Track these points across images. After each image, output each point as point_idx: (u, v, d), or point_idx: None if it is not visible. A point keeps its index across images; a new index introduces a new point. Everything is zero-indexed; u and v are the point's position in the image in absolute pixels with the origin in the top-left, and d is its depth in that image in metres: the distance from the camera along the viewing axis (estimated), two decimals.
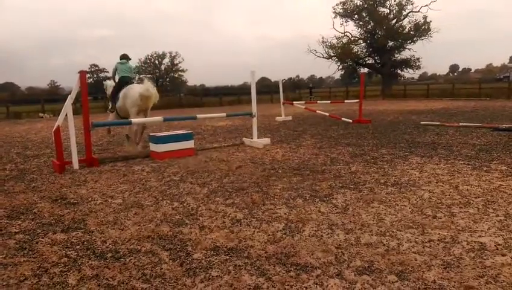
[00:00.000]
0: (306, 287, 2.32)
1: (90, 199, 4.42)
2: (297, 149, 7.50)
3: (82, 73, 6.24)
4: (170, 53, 62.78)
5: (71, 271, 2.63)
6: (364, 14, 37.95)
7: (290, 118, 14.80)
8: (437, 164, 5.70)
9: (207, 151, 7.64)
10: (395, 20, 37.20)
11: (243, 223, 3.49)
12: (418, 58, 38.35)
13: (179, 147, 7.08)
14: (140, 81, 9.26)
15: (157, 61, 63.06)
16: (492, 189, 4.27)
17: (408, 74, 41.46)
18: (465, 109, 17.30)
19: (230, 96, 36.07)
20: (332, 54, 38.94)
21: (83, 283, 2.46)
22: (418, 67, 39.24)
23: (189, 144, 7.29)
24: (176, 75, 64.82)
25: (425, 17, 35.91)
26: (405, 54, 38.67)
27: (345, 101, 19.10)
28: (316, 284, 2.36)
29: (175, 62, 63.59)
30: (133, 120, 7.25)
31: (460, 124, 10.54)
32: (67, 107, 6.23)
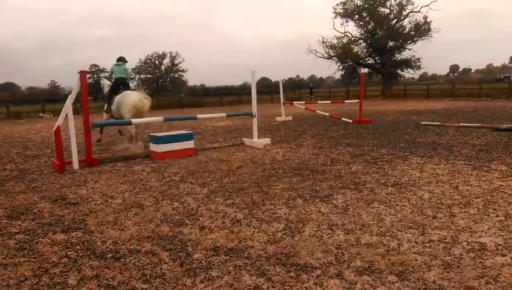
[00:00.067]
0: (306, 288, 2.32)
1: (90, 199, 4.42)
2: (297, 149, 7.50)
3: (82, 73, 6.25)
4: (170, 53, 62.78)
5: (71, 271, 2.63)
6: (364, 14, 37.95)
7: (290, 118, 14.80)
8: (437, 164, 5.70)
9: (207, 152, 7.64)
10: (395, 20, 37.20)
11: (243, 223, 3.49)
12: (418, 59, 38.38)
13: (179, 147, 7.08)
14: (138, 86, 9.47)
15: (157, 62, 63.03)
16: (492, 189, 4.27)
17: (408, 74, 41.52)
18: (465, 109, 17.30)
19: (231, 96, 36.08)
20: (332, 54, 38.94)
21: (83, 283, 2.46)
22: (419, 67, 39.26)
23: (190, 144, 7.29)
24: (176, 75, 64.78)
25: (425, 17, 35.94)
26: (405, 54, 38.72)
27: (345, 101, 19.12)
28: (316, 284, 2.36)
29: (175, 62, 63.56)
30: (133, 120, 7.25)
31: (461, 124, 10.53)
32: (68, 107, 6.23)
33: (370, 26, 38.22)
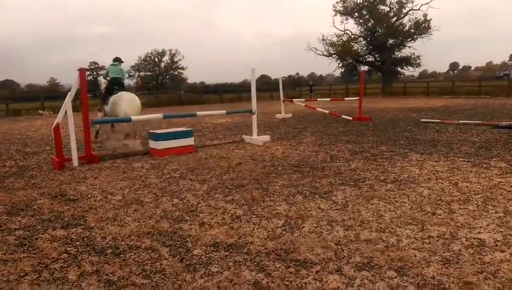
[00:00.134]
0: (305, 283, 2.33)
1: (89, 196, 4.42)
2: (297, 146, 7.50)
3: (81, 70, 6.24)
4: (170, 50, 62.68)
5: (71, 267, 2.64)
6: (364, 12, 37.86)
7: (290, 115, 14.80)
8: (437, 161, 5.70)
9: (207, 149, 7.64)
10: (395, 18, 37.13)
11: (242, 219, 3.50)
12: (418, 56, 38.33)
13: (179, 144, 7.08)
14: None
15: (157, 59, 62.92)
16: (491, 186, 4.28)
17: (408, 71, 41.53)
18: (465, 106, 17.30)
19: (231, 93, 36.00)
20: (332, 52, 38.87)
21: (83, 279, 2.46)
22: (418, 65, 39.21)
23: (189, 141, 7.29)
24: (176, 73, 64.71)
25: (425, 15, 35.87)
26: (405, 52, 38.68)
27: (345, 98, 19.08)
28: (316, 280, 2.37)
29: (175, 60, 63.48)
30: (133, 118, 7.26)
31: (460, 121, 10.54)
32: (67, 104, 6.23)
33: (370, 24, 38.16)
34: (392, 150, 6.75)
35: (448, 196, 3.96)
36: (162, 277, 2.47)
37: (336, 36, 38.94)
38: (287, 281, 2.36)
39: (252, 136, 8.48)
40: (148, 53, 62.34)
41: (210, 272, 2.51)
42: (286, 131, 10.15)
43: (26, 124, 15.74)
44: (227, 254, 2.79)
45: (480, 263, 2.51)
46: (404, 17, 36.96)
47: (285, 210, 3.70)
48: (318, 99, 21.58)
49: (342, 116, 12.88)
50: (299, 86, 46.80)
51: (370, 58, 40.43)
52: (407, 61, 38.86)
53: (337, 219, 3.41)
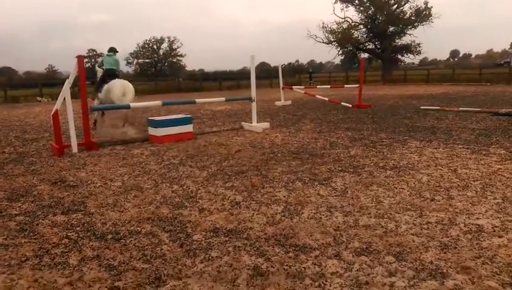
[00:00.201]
0: (305, 268, 2.35)
1: (89, 182, 4.43)
2: (296, 133, 7.49)
3: (80, 58, 6.20)
4: (168, 38, 62.08)
5: (72, 252, 2.65)
6: (365, 0, 37.45)
7: (289, 102, 14.75)
8: (436, 148, 5.71)
9: (206, 136, 7.64)
10: (396, 5, 36.68)
11: (242, 205, 3.51)
12: (418, 44, 37.98)
13: (178, 131, 7.08)
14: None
15: (155, 46, 62.38)
16: (490, 173, 4.29)
17: (408, 59, 41.21)
18: (465, 93, 17.25)
19: (230, 81, 35.80)
20: (332, 39, 38.50)
21: (84, 263, 2.48)
22: (419, 52, 38.92)
23: (189, 128, 7.28)
24: (175, 60, 64.23)
25: (426, 3, 35.40)
26: (405, 40, 38.29)
27: (345, 86, 18.99)
28: (315, 264, 2.39)
29: (173, 47, 62.93)
30: (132, 104, 7.25)
31: (460, 108, 10.52)
32: (66, 91, 6.20)
33: (370, 11, 37.72)
34: (392, 137, 6.75)
35: (447, 183, 3.98)
36: (163, 261, 2.49)
37: (336, 23, 38.53)
38: (287, 265, 2.38)
39: (251, 123, 8.46)
40: (146, 40, 61.80)
41: (210, 257, 2.53)
42: (285, 118, 10.13)
43: (24, 111, 15.68)
44: (227, 239, 2.81)
45: (478, 248, 2.54)
46: (405, 4, 36.52)
47: (284, 196, 3.71)
48: (318, 86, 21.49)
49: (342, 103, 12.84)
50: (298, 73, 46.54)
51: (370, 46, 40.09)
52: (408, 48, 38.56)
53: (336, 205, 3.43)
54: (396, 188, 3.85)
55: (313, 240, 2.74)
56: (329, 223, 3.03)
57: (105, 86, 8.33)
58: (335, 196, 3.69)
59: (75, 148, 6.22)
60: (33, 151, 6.53)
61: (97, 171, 4.93)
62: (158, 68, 61.87)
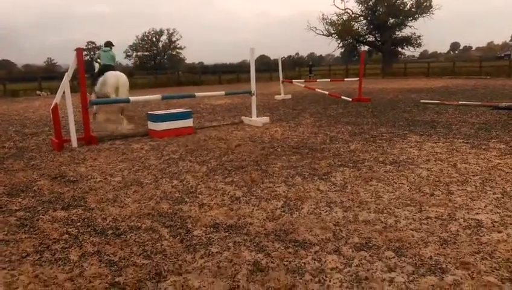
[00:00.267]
0: (304, 263, 2.36)
1: (89, 177, 4.43)
2: (296, 128, 7.49)
3: (79, 50, 6.17)
4: (168, 30, 61.82)
5: (72, 247, 2.66)
6: None
7: (289, 96, 14.72)
8: (436, 142, 5.71)
9: (206, 130, 7.63)
10: None
11: (242, 200, 3.52)
12: (419, 36, 37.90)
13: (178, 125, 7.07)
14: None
15: (154, 38, 62.12)
16: (490, 167, 4.29)
17: (408, 51, 41.11)
18: (465, 87, 17.21)
19: (229, 74, 35.69)
20: (332, 31, 38.37)
21: (85, 259, 2.49)
22: (419, 45, 38.83)
23: (188, 123, 7.27)
24: (174, 53, 63.99)
25: None
26: (406, 32, 38.22)
27: (345, 79, 18.94)
28: (314, 260, 2.40)
29: (173, 39, 62.69)
30: (131, 98, 7.24)
31: (460, 102, 10.50)
32: (65, 84, 6.17)
33: (371, 3, 37.54)
34: (392, 131, 6.75)
35: (446, 177, 3.98)
36: (163, 257, 2.49)
37: (336, 15, 38.39)
38: (286, 261, 2.39)
39: (251, 117, 8.45)
40: (145, 32, 61.53)
41: (210, 253, 2.53)
42: (285, 112, 10.12)
43: (24, 105, 15.66)
44: (227, 234, 2.81)
45: (478, 243, 2.54)
46: None
47: (284, 191, 3.72)
48: (318, 80, 21.44)
49: (342, 97, 12.81)
50: (298, 66, 46.39)
51: (370, 38, 39.96)
52: (408, 41, 38.45)
53: (336, 200, 3.43)
54: (396, 183, 3.85)
55: (312, 235, 2.75)
56: (329, 219, 3.04)
57: (100, 79, 8.36)
58: (335, 191, 3.70)
59: (74, 143, 6.22)
60: (33, 146, 6.52)
61: (97, 166, 4.93)
62: (157, 61, 61.65)
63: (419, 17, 36.10)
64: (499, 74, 26.12)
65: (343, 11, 38.19)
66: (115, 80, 8.03)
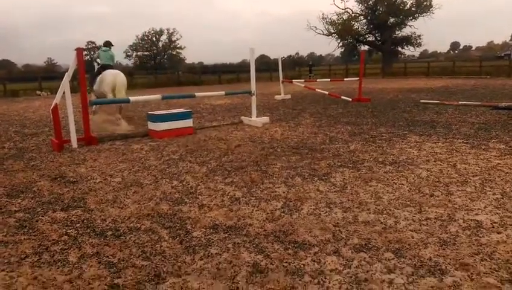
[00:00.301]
0: (304, 265, 2.36)
1: (89, 178, 4.43)
2: (296, 128, 7.48)
3: (79, 50, 6.16)
4: (168, 30, 61.80)
5: (72, 249, 2.66)
6: None
7: (289, 96, 14.71)
8: (435, 142, 5.70)
9: (206, 130, 7.63)
10: None
11: (241, 201, 3.52)
12: (419, 36, 37.90)
13: (178, 125, 7.06)
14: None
15: (154, 38, 62.09)
16: (490, 167, 4.29)
17: (409, 51, 41.09)
18: (465, 87, 17.21)
19: (229, 74, 35.70)
20: (332, 31, 38.36)
21: (84, 261, 2.49)
22: (419, 44, 38.83)
23: (188, 123, 7.27)
24: (174, 53, 63.97)
25: None
26: (406, 31, 38.21)
27: (345, 79, 18.93)
28: (314, 261, 2.40)
29: (173, 39, 62.67)
30: (131, 98, 7.24)
31: (460, 102, 10.50)
32: (65, 84, 6.17)
33: (371, 2, 37.53)
34: (391, 131, 6.75)
35: (446, 178, 3.98)
36: (162, 258, 2.49)
37: (336, 14, 38.39)
38: (286, 262, 2.39)
39: (251, 117, 8.45)
40: (145, 32, 61.51)
41: (209, 254, 2.53)
42: (285, 112, 10.12)
43: (24, 105, 15.66)
44: (227, 235, 2.81)
45: (477, 244, 2.54)
46: None
47: (284, 192, 3.72)
48: (318, 80, 21.44)
49: (342, 97, 12.80)
50: (298, 66, 46.37)
51: (370, 38, 39.96)
52: (408, 40, 38.44)
53: (335, 201, 3.43)
54: (395, 184, 3.85)
55: (312, 236, 2.75)
56: (329, 220, 3.03)
57: (98, 78, 8.46)
58: (334, 191, 3.70)
59: (74, 144, 6.22)
60: (33, 146, 6.52)
61: (97, 167, 4.93)
62: (157, 61, 61.64)
63: (419, 16, 36.10)
64: (498, 73, 26.11)
65: (343, 11, 38.22)
66: (112, 79, 8.09)
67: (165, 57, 63.87)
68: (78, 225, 3.09)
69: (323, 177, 4.14)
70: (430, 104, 10.61)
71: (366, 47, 40.66)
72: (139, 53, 61.81)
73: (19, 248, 2.69)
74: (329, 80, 19.56)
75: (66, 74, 6.20)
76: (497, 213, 3.04)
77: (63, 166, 5.03)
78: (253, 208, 3.35)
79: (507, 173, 4.08)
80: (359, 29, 39.23)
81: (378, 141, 5.96)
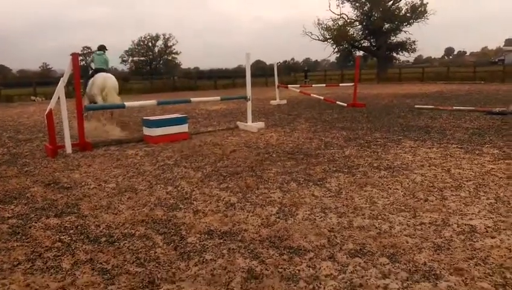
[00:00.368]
0: (299, 270, 2.35)
1: (83, 184, 4.41)
2: (291, 133, 7.50)
3: (74, 55, 6.15)
4: (164, 35, 61.93)
5: (65, 255, 2.64)
6: None
7: (284, 101, 14.75)
8: (430, 147, 5.73)
9: (201, 135, 7.62)
10: (391, 1, 36.79)
11: (237, 207, 3.51)
12: (413, 41, 38.15)
13: (173, 131, 7.05)
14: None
15: (150, 44, 62.18)
16: (483, 172, 4.31)
17: (403, 57, 41.34)
18: (459, 92, 17.34)
19: (225, 79, 35.76)
20: (328, 37, 38.56)
21: (77, 267, 2.47)
22: (414, 50, 39.07)
23: (184, 128, 7.26)
24: (170, 58, 64.06)
25: None
26: (401, 37, 38.45)
27: (340, 84, 19.01)
28: (309, 266, 2.39)
29: (169, 44, 62.78)
30: (127, 104, 7.23)
31: (454, 107, 10.57)
32: (60, 90, 6.15)
33: (366, 8, 37.79)
34: (386, 136, 6.77)
35: (440, 183, 3.99)
36: (156, 265, 2.48)
37: (332, 20, 38.60)
38: (281, 268, 2.38)
39: (246, 123, 8.45)
40: (141, 37, 61.59)
41: (204, 260, 2.52)
42: (281, 117, 10.14)
43: (18, 111, 15.58)
44: (221, 241, 2.80)
45: (471, 249, 2.55)
46: (400, 0, 36.65)
47: (279, 197, 3.71)
48: (313, 85, 21.50)
49: (337, 102, 12.86)
50: (294, 71, 46.56)
51: (365, 43, 40.18)
52: (403, 46, 38.69)
53: (330, 206, 3.43)
54: (390, 189, 3.86)
55: (307, 241, 2.74)
56: (324, 225, 3.03)
57: (90, 81, 8.55)
58: (329, 196, 3.70)
59: (69, 149, 6.19)
60: (27, 152, 6.48)
61: (91, 173, 4.90)
62: (153, 66, 61.69)
63: (414, 22, 36.36)
64: (493, 79, 26.35)
65: (339, 16, 38.45)
66: (102, 81, 8.17)
67: (161, 62, 63.93)
68: (71, 231, 3.07)
69: (319, 183, 4.14)
70: (425, 110, 10.67)
71: (361, 52, 40.91)
72: (134, 58, 61.85)
73: (12, 255, 2.66)
74: (324, 85, 19.62)
75: (61, 79, 6.18)
76: (491, 218, 3.05)
77: (56, 172, 5.00)
78: (248, 213, 3.34)
79: (501, 177, 4.10)
80: (354, 34, 39.46)
81: (373, 146, 5.98)
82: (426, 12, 35.67)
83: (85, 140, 6.48)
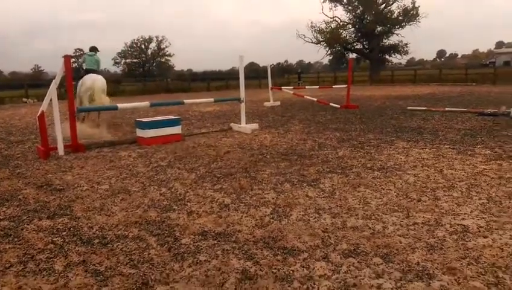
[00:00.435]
0: (293, 271, 2.35)
1: (76, 185, 4.37)
2: (285, 134, 7.51)
3: (66, 57, 6.11)
4: (157, 37, 61.82)
5: (58, 257, 2.61)
6: None
7: (278, 103, 14.77)
8: (422, 148, 5.77)
9: (195, 137, 7.60)
10: (384, 4, 37.09)
11: (230, 208, 3.50)
12: (406, 44, 38.49)
13: (166, 132, 7.03)
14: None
15: (143, 46, 62.00)
16: (476, 173, 4.35)
17: (396, 59, 41.72)
18: (451, 94, 17.49)
19: (218, 81, 35.74)
20: (321, 39, 38.74)
21: (70, 269, 2.45)
22: (406, 52, 39.42)
23: (177, 130, 7.24)
24: (163, 60, 63.92)
25: (413, 2, 35.91)
26: (393, 39, 38.78)
27: (333, 86, 19.10)
28: (303, 267, 2.39)
29: (162, 46, 62.65)
30: (119, 105, 7.20)
31: (446, 109, 10.66)
32: (52, 92, 6.10)
33: (359, 11, 38.06)
34: (379, 137, 6.81)
35: (433, 183, 4.02)
36: (150, 266, 2.46)
37: (325, 23, 38.81)
38: (275, 269, 2.38)
39: (240, 124, 8.45)
40: (134, 40, 61.40)
41: (198, 261, 2.51)
42: (274, 119, 10.15)
43: (10, 113, 15.42)
44: (216, 242, 2.79)
45: (464, 248, 2.57)
46: (392, 3, 36.94)
47: (273, 198, 3.72)
48: (306, 87, 21.57)
49: (330, 104, 12.90)
50: (287, 73, 46.68)
51: (358, 46, 40.44)
52: (395, 48, 38.99)
53: (324, 207, 3.44)
54: (383, 189, 3.88)
55: (301, 242, 2.75)
56: (318, 225, 3.04)
57: (80, 81, 8.60)
58: (323, 197, 3.71)
59: (61, 151, 6.13)
60: (18, 153, 6.42)
61: (84, 174, 4.87)
62: (146, 68, 61.51)
63: (406, 25, 36.70)
64: (484, 80, 26.64)
65: (332, 19, 38.66)
66: (90, 82, 8.23)
67: (154, 64, 63.75)
68: (64, 233, 3.04)
69: (312, 183, 4.15)
70: (417, 111, 10.75)
71: (354, 55, 41.13)
72: (127, 60, 61.61)
73: (3, 257, 2.63)
74: (317, 87, 19.74)
75: (53, 81, 6.13)
76: (483, 218, 3.08)
77: (49, 174, 4.96)
78: (243, 214, 3.34)
79: (493, 178, 4.15)
80: (347, 37, 39.71)
81: (367, 147, 6.01)
82: (418, 16, 36.04)
83: (77, 142, 6.43)
